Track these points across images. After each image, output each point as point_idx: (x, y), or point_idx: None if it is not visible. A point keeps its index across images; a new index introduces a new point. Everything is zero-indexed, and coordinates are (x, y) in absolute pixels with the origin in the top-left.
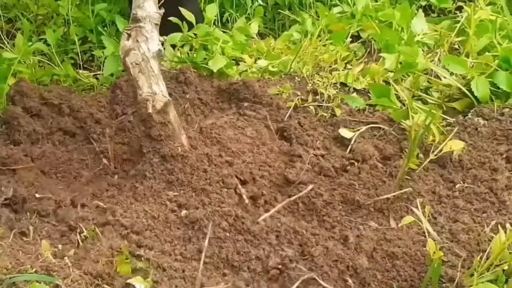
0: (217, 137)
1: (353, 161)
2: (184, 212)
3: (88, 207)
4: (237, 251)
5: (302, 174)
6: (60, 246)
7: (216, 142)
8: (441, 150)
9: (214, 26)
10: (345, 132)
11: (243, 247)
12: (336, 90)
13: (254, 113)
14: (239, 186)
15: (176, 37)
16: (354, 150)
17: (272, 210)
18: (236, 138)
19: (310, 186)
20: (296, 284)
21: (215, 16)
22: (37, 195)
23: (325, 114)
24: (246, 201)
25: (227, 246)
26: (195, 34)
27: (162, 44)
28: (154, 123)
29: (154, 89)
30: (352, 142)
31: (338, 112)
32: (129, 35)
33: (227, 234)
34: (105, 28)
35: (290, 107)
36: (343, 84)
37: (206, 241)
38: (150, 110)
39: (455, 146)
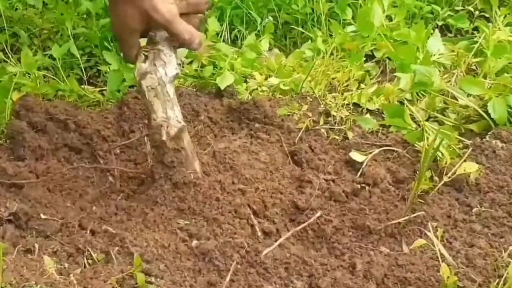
0: (230, 162)
1: (364, 185)
2: (195, 242)
3: (97, 232)
4: (249, 285)
5: (312, 200)
6: (66, 265)
7: (230, 168)
8: (454, 172)
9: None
10: (356, 156)
11: (255, 280)
12: (349, 111)
13: (267, 136)
14: (252, 216)
15: (182, 53)
16: (365, 173)
17: (280, 240)
18: (249, 164)
19: (319, 213)
20: None
21: (219, 31)
22: (43, 216)
23: (337, 137)
24: (259, 233)
25: (239, 279)
26: None
27: (182, 64)
28: (167, 150)
29: (169, 114)
30: (364, 165)
31: (350, 135)
32: (146, 57)
33: (239, 266)
34: (111, 43)
35: (301, 128)
36: (356, 105)
37: (227, 279)
38: (164, 138)
39: (470, 168)
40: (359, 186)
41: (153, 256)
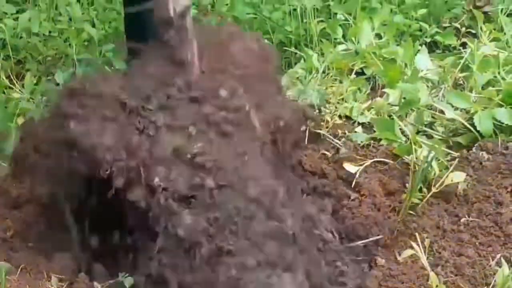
0: None
1: (356, 196)
2: None
3: None
4: None
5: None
6: None
7: None
8: (442, 183)
9: None
10: (349, 167)
11: None
12: (341, 125)
13: None
14: None
15: None
16: (358, 185)
17: None
18: None
19: None
20: None
21: None
22: None
23: (327, 153)
24: None
25: None
26: None
27: None
28: (172, 27)
29: None
30: (356, 177)
31: (342, 149)
32: None
33: None
34: (112, 68)
35: None
36: (348, 118)
37: None
38: (171, 14)
39: (457, 178)
40: (351, 197)
41: None
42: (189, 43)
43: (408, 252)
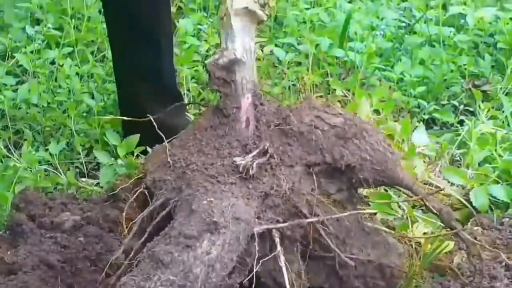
0: None
1: None
2: None
3: None
4: None
5: None
6: None
7: None
8: (433, 253)
9: None
10: None
11: None
12: None
13: None
14: None
15: None
16: None
17: None
18: None
19: None
20: None
21: None
22: None
23: None
24: None
25: None
26: None
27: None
28: (213, 78)
29: (228, 45)
30: None
31: None
32: None
33: None
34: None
35: None
36: None
37: None
38: (212, 65)
39: (446, 248)
40: None
41: None
42: None
43: None
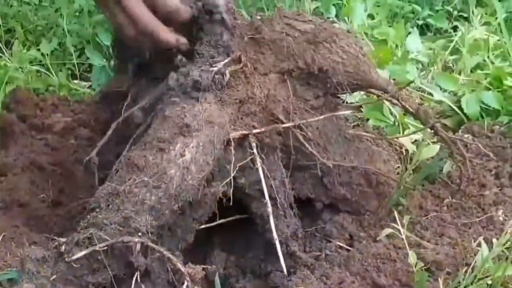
0: None
1: None
2: None
3: None
4: None
5: None
6: None
7: None
8: (418, 159)
9: None
10: None
11: None
12: None
13: None
14: None
15: None
16: None
17: None
18: None
19: None
20: None
21: None
22: None
23: None
24: None
25: None
26: None
27: None
28: None
29: None
30: None
31: None
32: None
33: None
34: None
35: None
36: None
37: None
38: None
39: (428, 153)
40: None
41: None
42: None
43: (387, 231)
